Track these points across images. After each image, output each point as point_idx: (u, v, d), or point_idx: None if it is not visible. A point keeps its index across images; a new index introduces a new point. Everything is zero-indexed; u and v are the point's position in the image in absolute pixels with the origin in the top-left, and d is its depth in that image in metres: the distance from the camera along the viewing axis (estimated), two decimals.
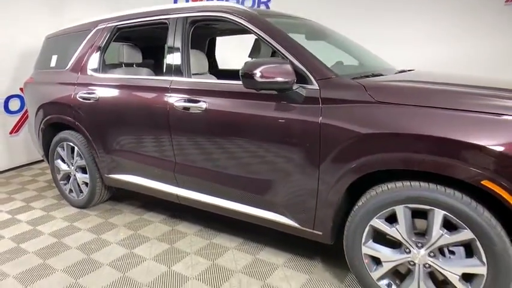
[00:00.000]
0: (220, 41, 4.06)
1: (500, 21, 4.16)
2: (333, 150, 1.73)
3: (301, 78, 1.85)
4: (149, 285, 2.04)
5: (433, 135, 1.49)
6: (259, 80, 1.74)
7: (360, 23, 4.38)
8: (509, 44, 4.19)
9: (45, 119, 3.12)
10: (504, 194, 1.39)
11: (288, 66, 1.77)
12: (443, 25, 4.27)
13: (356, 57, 2.70)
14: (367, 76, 1.97)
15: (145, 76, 2.62)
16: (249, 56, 2.69)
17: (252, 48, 2.73)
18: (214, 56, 4.04)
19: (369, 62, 2.67)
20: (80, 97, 2.82)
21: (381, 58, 2.93)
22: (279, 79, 1.75)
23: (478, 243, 1.49)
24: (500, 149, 1.37)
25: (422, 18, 4.30)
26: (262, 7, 5.41)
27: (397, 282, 1.77)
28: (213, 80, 2.24)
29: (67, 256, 2.37)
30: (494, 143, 1.39)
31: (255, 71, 1.74)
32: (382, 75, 2.09)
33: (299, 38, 2.55)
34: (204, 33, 3.76)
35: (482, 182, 1.42)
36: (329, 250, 2.28)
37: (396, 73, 2.33)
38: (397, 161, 1.59)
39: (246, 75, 1.77)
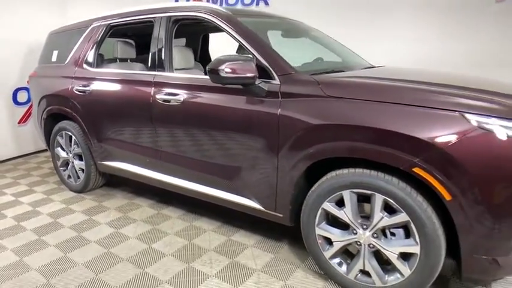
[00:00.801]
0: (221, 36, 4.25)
1: (491, 19, 4.23)
2: (289, 140, 1.90)
3: (266, 74, 2.02)
4: (129, 260, 2.26)
5: (371, 126, 1.64)
6: (224, 75, 1.92)
7: (357, 24, 4.56)
8: (500, 42, 4.25)
9: (46, 110, 3.38)
10: (432, 180, 1.54)
11: (251, 63, 1.94)
12: (436, 24, 4.37)
13: (335, 53, 2.86)
14: (328, 72, 2.13)
15: (131, 70, 2.82)
16: (236, 52, 2.85)
17: (239, 45, 2.88)
18: (208, 51, 4.22)
19: (345, 58, 2.83)
20: (76, 90, 3.05)
21: (357, 55, 3.07)
22: (242, 75, 1.92)
23: (412, 225, 1.64)
24: (429, 140, 1.52)
25: (415, 17, 4.43)
26: (262, 4, 5.61)
27: (348, 261, 1.94)
28: (189, 75, 2.41)
29: (60, 234, 2.62)
30: (424, 134, 1.53)
31: (219, 67, 1.92)
32: (343, 71, 2.24)
33: (276, 36, 2.74)
34: (197, 30, 3.95)
35: (413, 169, 1.57)
36: (296, 233, 2.45)
37: (363, 69, 2.47)
38: (342, 149, 1.75)
39: (212, 71, 1.95)
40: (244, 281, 2.03)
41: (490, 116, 1.48)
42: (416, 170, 1.56)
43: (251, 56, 2.05)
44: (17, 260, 2.29)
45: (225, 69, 1.91)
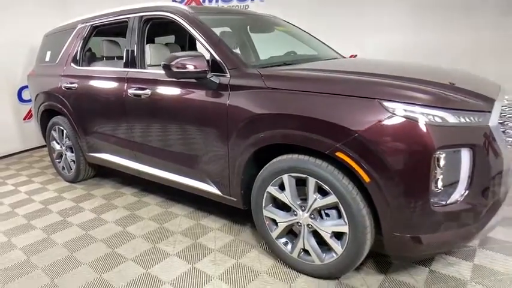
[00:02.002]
0: None
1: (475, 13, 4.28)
2: (236, 129, 2.06)
3: (219, 68, 2.18)
4: (103, 241, 2.48)
5: (300, 115, 1.78)
6: (175, 70, 2.09)
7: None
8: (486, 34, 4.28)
9: (41, 106, 3.65)
10: (352, 164, 1.66)
11: (201, 59, 2.10)
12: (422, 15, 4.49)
13: (309, 46, 3.03)
14: (279, 65, 2.26)
15: (110, 68, 3.02)
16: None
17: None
18: (195, 47, 4.39)
19: (316, 51, 3.00)
20: (64, 87, 3.30)
21: (329, 48, 3.20)
22: (192, 69, 2.08)
23: (340, 206, 1.77)
24: (349, 126, 1.64)
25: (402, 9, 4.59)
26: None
27: (293, 241, 2.08)
28: (156, 71, 2.58)
29: (47, 218, 2.88)
30: (344, 121, 1.65)
31: (171, 63, 2.08)
32: (296, 63, 2.37)
33: (243, 31, 2.89)
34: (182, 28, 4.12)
35: (336, 154, 1.70)
36: None
37: (325, 60, 2.60)
38: (279, 136, 1.89)
39: (165, 66, 2.12)
40: (201, 259, 2.21)
41: (404, 102, 1.59)
42: (338, 154, 1.69)
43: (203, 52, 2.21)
44: (5, 241, 2.55)
45: (176, 65, 2.08)
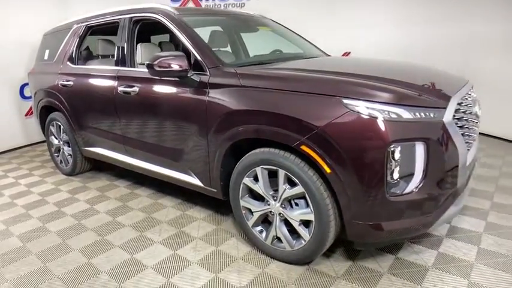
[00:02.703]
0: None
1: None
2: (214, 124, 2.20)
3: (200, 67, 2.32)
4: (93, 229, 2.65)
5: (269, 111, 1.91)
6: (158, 69, 2.23)
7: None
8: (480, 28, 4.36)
9: (40, 102, 3.83)
10: (315, 156, 1.79)
11: (182, 58, 2.23)
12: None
13: (296, 45, 3.18)
14: (256, 64, 2.39)
15: (102, 66, 3.17)
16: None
17: (209, 39, 3.15)
18: None
19: (300, 49, 3.13)
20: (61, 84, 3.46)
21: (314, 46, 3.33)
22: (173, 68, 2.22)
23: (307, 195, 1.91)
24: (311, 121, 1.77)
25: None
26: None
27: (270, 228, 2.22)
28: (142, 69, 2.72)
29: (44, 209, 3.05)
30: (308, 117, 1.78)
31: (154, 62, 2.23)
32: (275, 62, 2.49)
33: (228, 30, 3.02)
34: None
35: (301, 147, 1.83)
36: None
37: (306, 59, 2.74)
38: (251, 131, 2.03)
39: (148, 65, 2.26)
40: (183, 246, 2.36)
41: (361, 100, 1.71)
42: (303, 147, 1.82)
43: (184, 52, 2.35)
44: (4, 229, 2.73)
45: (159, 64, 2.22)
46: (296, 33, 3.43)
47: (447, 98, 1.84)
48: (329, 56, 3.27)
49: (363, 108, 1.69)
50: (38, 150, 4.98)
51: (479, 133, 4.48)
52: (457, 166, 1.82)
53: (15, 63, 4.88)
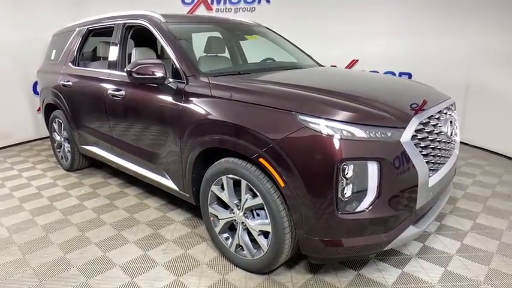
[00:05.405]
0: None
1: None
2: (186, 131, 2.26)
3: (179, 75, 2.39)
4: (77, 225, 2.77)
5: (232, 123, 1.96)
6: (136, 76, 2.32)
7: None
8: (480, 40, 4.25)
9: (45, 100, 4.03)
10: (271, 169, 1.82)
11: (159, 66, 2.31)
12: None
13: (289, 53, 3.25)
14: (233, 74, 2.44)
15: (97, 69, 3.31)
16: (204, 52, 3.16)
17: (206, 45, 3.21)
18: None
19: (291, 58, 3.17)
20: (62, 84, 3.63)
21: (306, 55, 3.35)
22: (149, 76, 2.31)
23: (265, 206, 1.94)
24: (268, 135, 1.80)
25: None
26: (264, 2, 5.97)
27: (234, 236, 2.26)
28: None
29: (37, 202, 3.22)
30: (265, 131, 1.82)
31: (132, 69, 2.32)
32: (250, 73, 2.53)
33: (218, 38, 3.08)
34: None
35: (259, 160, 1.86)
36: None
37: (291, 69, 2.79)
38: (216, 141, 2.08)
39: (127, 72, 2.36)
40: (154, 247, 2.45)
41: (316, 116, 1.73)
42: (260, 160, 1.86)
43: (166, 60, 2.43)
44: None
45: (136, 71, 2.31)
46: (291, 43, 3.45)
47: (407, 118, 1.82)
48: (321, 66, 3.27)
49: (316, 125, 1.71)
50: (46, 144, 5.23)
51: (482, 149, 4.41)
52: (416, 186, 1.80)
53: (30, 61, 5.12)
